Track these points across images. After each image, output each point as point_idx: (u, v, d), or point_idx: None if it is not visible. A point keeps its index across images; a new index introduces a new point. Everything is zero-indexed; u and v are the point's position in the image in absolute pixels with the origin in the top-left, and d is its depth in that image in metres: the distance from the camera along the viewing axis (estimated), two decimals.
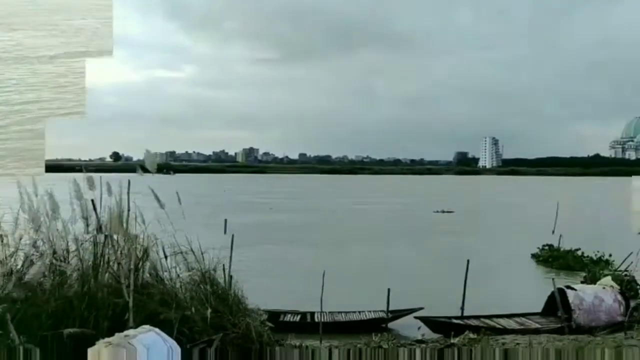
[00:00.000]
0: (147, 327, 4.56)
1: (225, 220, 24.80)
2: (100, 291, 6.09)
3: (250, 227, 30.55)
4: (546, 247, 23.10)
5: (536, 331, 10.81)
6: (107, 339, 4.31)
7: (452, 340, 7.03)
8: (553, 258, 21.65)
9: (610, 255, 18.80)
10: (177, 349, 1.47)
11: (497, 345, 6.57)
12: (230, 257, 9.68)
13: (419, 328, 9.79)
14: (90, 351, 4.25)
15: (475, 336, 7.21)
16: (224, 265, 8.97)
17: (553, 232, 22.05)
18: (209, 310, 6.14)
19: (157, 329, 4.44)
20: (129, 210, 6.64)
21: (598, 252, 19.92)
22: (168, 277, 6.79)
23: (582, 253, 20.70)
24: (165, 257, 6.96)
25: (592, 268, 17.14)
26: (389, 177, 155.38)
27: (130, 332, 4.45)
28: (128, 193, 6.67)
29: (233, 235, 10.14)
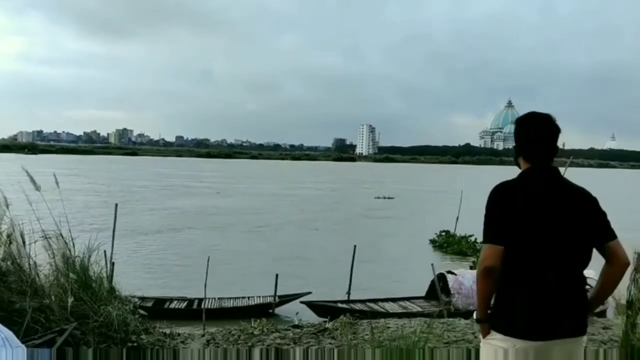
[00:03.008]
0: None
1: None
2: None
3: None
4: (443, 234, 24.01)
5: (418, 314, 11.14)
6: None
7: (326, 325, 6.99)
8: (448, 244, 22.66)
9: None
10: (13, 339, 1.26)
11: (368, 329, 6.61)
12: (112, 243, 9.15)
13: (297, 313, 9.80)
14: None
15: (350, 320, 7.22)
16: (105, 251, 8.51)
17: (457, 218, 22.85)
18: (71, 299, 5.71)
19: None
20: None
21: None
22: (32, 264, 6.28)
23: (475, 239, 21.49)
24: (24, 242, 6.43)
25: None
26: (275, 162, 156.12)
27: None
28: None
29: (115, 221, 9.60)
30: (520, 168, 2.81)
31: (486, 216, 2.66)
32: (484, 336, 2.73)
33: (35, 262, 6.06)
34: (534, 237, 2.58)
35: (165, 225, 27.31)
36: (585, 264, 2.70)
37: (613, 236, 2.71)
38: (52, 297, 5.70)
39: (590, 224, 2.68)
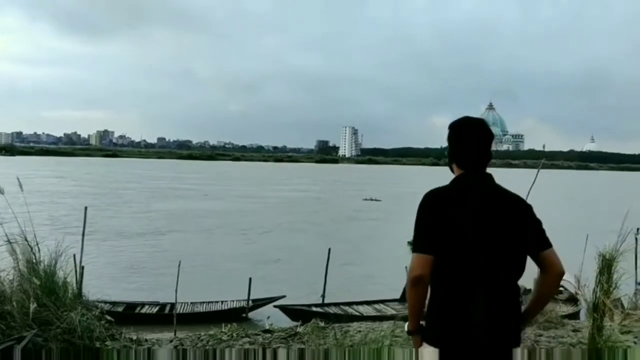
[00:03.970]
0: None
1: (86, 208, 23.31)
2: None
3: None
4: None
5: (392, 317, 11.10)
6: None
7: (297, 329, 6.93)
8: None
9: None
10: None
11: (339, 333, 6.58)
12: (82, 247, 9.02)
13: (268, 317, 9.72)
14: None
15: (322, 324, 7.16)
16: (74, 255, 8.37)
17: None
18: (34, 305, 5.60)
19: None
20: None
21: None
22: None
23: None
24: None
25: None
26: (259, 164, 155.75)
27: None
28: None
29: (84, 225, 9.44)
30: (454, 174, 2.73)
31: (416, 224, 2.59)
32: (416, 348, 2.66)
33: None
34: (465, 246, 2.51)
35: (150, 228, 27.08)
36: (519, 274, 2.62)
37: (548, 245, 2.63)
38: (14, 304, 5.59)
39: (524, 232, 2.60)
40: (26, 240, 6.30)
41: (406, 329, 2.72)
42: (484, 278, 2.51)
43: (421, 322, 2.65)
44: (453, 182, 2.69)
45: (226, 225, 28.82)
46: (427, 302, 2.61)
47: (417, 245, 2.54)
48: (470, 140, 2.69)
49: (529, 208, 2.67)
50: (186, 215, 32.66)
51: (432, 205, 2.59)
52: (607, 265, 5.49)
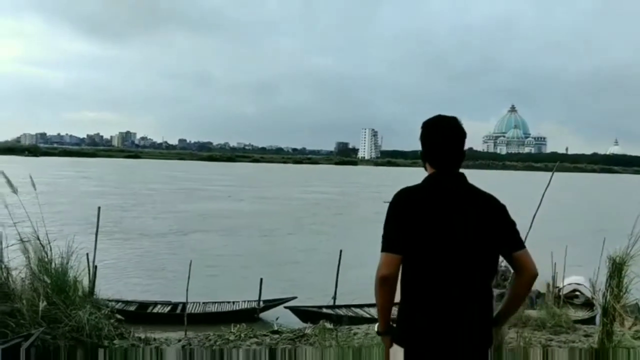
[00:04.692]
0: None
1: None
2: None
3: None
4: None
5: None
6: None
7: (306, 331, 6.94)
8: None
9: None
10: None
11: (347, 334, 6.58)
12: (95, 247, 9.11)
13: (277, 318, 9.73)
14: None
15: (330, 326, 7.16)
16: (87, 254, 8.47)
17: None
18: (43, 303, 5.68)
19: None
20: None
21: None
22: (3, 267, 6.25)
23: None
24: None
25: None
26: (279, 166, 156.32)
27: None
28: None
29: (97, 225, 9.56)
30: (428, 172, 2.71)
31: (385, 223, 2.55)
32: (386, 349, 2.63)
33: (6, 266, 6.00)
34: (434, 245, 2.47)
35: (173, 229, 27.21)
36: (491, 275, 2.58)
37: (521, 246, 2.58)
38: (24, 302, 5.67)
39: (496, 233, 2.54)
40: (38, 239, 6.40)
41: (376, 329, 2.69)
42: (454, 278, 2.47)
43: (392, 323, 2.62)
44: (425, 181, 2.66)
45: (249, 226, 28.88)
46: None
47: (384, 244, 2.51)
48: (443, 139, 2.66)
49: (502, 208, 2.62)
50: (210, 216, 32.83)
51: (402, 204, 2.56)
52: (617, 269, 5.42)
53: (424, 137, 2.71)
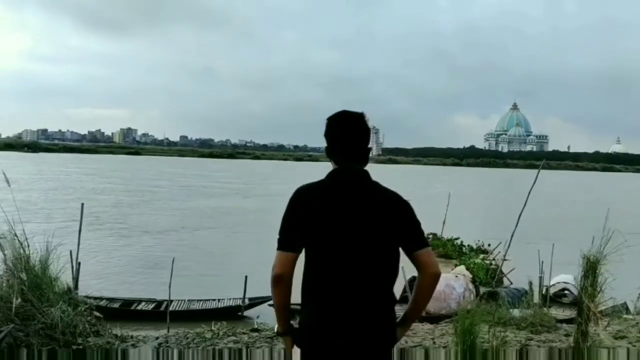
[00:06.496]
0: None
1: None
2: None
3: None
4: (430, 236, 23.71)
5: None
6: None
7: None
8: (434, 247, 22.27)
9: (489, 245, 19.84)
10: None
11: None
12: (78, 243, 9.09)
13: (257, 317, 9.70)
14: None
15: None
16: (70, 251, 8.45)
17: (444, 221, 22.57)
18: (17, 300, 5.68)
19: None
20: None
21: (479, 241, 21.00)
22: None
23: (462, 242, 21.33)
24: None
25: (468, 257, 18.14)
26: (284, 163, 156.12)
27: None
28: None
29: (81, 222, 9.55)
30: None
31: (282, 220, 2.49)
32: (288, 350, 2.58)
33: None
34: (330, 242, 2.42)
35: (176, 226, 27.22)
36: (392, 274, 2.52)
37: (423, 245, 2.53)
38: None
39: (397, 231, 2.49)
40: (15, 236, 6.38)
41: (275, 330, 2.66)
42: (352, 278, 2.43)
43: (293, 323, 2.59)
44: (327, 176, 2.60)
45: (255, 222, 28.80)
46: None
47: (279, 242, 2.47)
48: (344, 135, 2.60)
49: (406, 206, 2.56)
50: (216, 213, 32.83)
51: (299, 201, 2.50)
52: (591, 268, 5.38)
53: (326, 132, 2.64)
